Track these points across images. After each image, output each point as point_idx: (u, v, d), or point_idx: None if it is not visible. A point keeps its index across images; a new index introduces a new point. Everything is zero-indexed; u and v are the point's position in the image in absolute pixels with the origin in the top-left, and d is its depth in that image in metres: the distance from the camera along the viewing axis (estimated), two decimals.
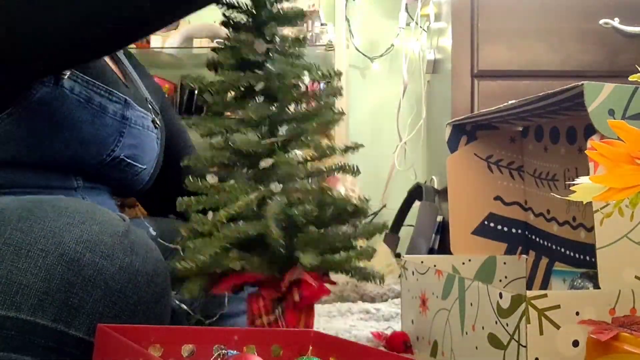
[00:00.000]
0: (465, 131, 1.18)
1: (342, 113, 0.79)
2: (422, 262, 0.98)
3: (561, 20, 1.64)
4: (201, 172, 0.76)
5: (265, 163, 0.73)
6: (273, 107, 0.76)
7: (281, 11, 0.77)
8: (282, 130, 0.76)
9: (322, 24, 2.33)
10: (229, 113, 0.78)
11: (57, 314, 0.61)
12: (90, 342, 0.62)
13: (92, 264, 0.63)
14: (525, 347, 0.63)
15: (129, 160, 0.94)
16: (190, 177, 0.76)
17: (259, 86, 0.75)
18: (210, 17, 2.50)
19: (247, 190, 0.72)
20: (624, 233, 0.69)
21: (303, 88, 0.78)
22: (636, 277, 0.69)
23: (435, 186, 1.92)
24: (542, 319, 0.63)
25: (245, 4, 0.77)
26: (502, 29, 1.65)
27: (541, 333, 0.63)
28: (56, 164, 0.86)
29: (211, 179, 0.75)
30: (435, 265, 0.91)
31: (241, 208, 0.70)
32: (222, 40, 0.78)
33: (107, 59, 1.02)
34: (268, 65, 0.76)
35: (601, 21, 1.62)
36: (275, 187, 0.72)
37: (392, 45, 2.41)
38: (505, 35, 1.65)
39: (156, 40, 2.34)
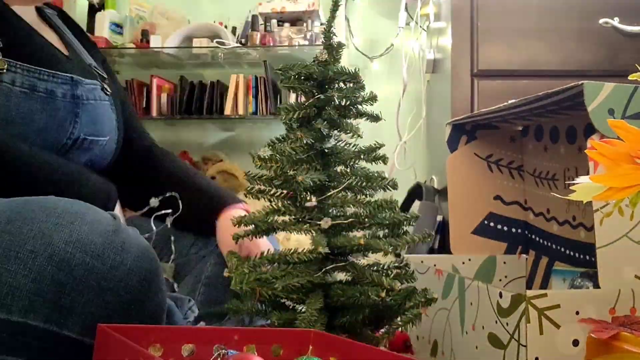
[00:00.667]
0: (465, 131, 1.18)
1: (395, 186, 0.80)
2: (422, 261, 0.98)
3: (561, 19, 1.64)
4: None
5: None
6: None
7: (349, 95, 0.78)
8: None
9: (321, 24, 2.33)
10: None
11: (48, 315, 0.60)
12: (83, 342, 0.62)
13: (82, 264, 0.62)
14: (525, 346, 0.63)
15: (91, 138, 0.93)
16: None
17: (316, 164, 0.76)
18: (210, 17, 2.50)
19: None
20: (623, 232, 0.69)
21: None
22: (636, 276, 0.69)
23: (435, 186, 1.92)
24: (542, 318, 0.63)
25: (314, 77, 0.77)
26: (502, 29, 1.65)
27: (541, 332, 0.63)
28: None
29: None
30: (435, 265, 0.91)
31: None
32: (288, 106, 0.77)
33: (43, 27, 0.99)
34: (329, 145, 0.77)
35: (601, 20, 1.62)
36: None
37: (392, 44, 2.41)
38: (505, 35, 1.64)
39: (156, 40, 2.34)
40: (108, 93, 1.00)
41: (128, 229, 0.69)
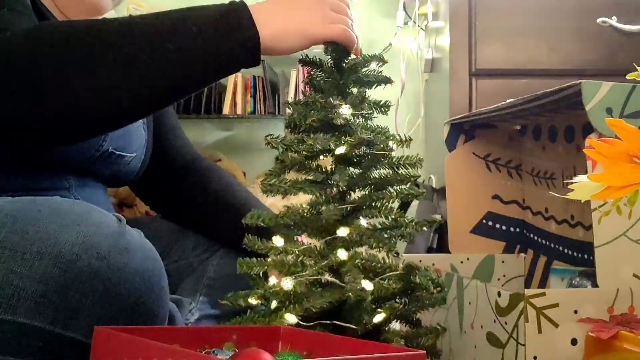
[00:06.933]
0: (463, 130, 1.18)
1: (422, 192, 0.75)
2: (420, 260, 0.98)
3: (559, 18, 1.64)
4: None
5: (343, 232, 0.70)
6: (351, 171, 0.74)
7: (365, 76, 0.75)
8: (355, 195, 0.74)
9: None
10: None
11: (54, 316, 0.60)
12: (88, 344, 0.62)
13: (88, 266, 0.62)
14: (523, 345, 0.63)
15: (118, 152, 0.92)
16: (250, 235, 0.73)
17: (340, 150, 0.72)
18: None
19: (316, 256, 0.71)
20: (622, 231, 0.69)
21: (388, 156, 0.75)
22: (634, 275, 0.69)
23: (434, 185, 1.92)
24: (540, 317, 0.63)
25: (330, 63, 0.75)
26: (500, 28, 1.65)
27: (540, 331, 0.63)
28: (44, 166, 0.84)
29: (278, 241, 0.72)
30: (433, 264, 0.91)
31: (311, 276, 0.68)
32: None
33: None
34: (356, 130, 0.73)
35: (599, 20, 1.62)
36: (343, 254, 0.70)
37: (390, 44, 2.41)
38: (503, 34, 1.65)
39: None
40: None
41: (132, 231, 0.69)
